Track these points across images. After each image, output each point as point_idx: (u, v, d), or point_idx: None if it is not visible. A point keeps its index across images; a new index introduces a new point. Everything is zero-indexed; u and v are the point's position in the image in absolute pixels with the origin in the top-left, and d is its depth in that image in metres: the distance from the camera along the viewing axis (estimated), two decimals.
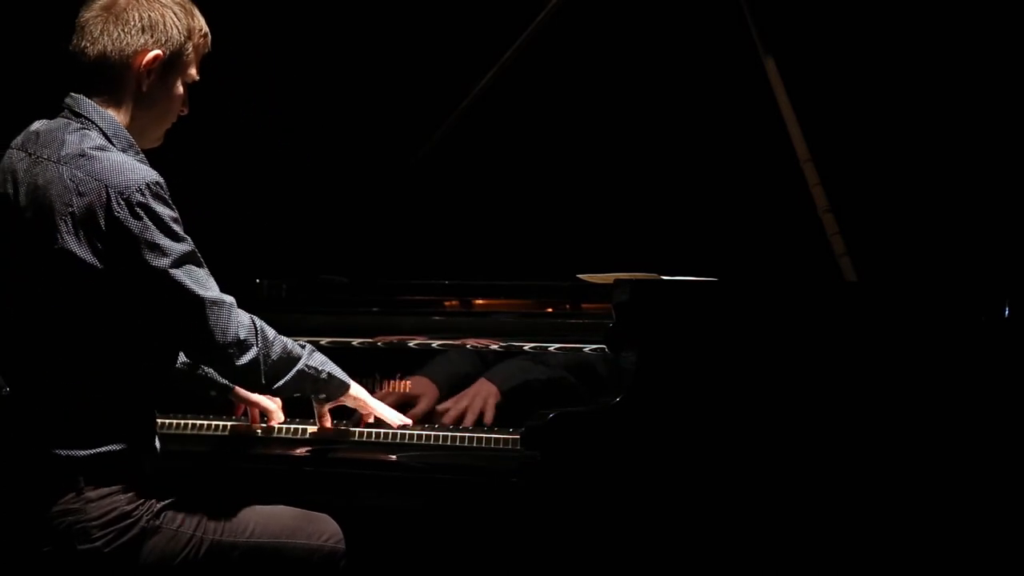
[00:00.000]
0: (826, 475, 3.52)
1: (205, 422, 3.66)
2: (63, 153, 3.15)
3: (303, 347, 3.30)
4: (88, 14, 3.26)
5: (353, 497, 3.59)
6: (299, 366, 3.26)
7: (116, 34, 3.22)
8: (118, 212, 3.08)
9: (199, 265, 3.15)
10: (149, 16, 3.24)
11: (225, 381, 3.51)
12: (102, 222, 3.08)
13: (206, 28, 3.34)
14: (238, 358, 3.15)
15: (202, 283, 3.13)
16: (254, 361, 3.17)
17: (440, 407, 3.58)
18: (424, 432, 3.46)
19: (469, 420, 3.53)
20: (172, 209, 3.14)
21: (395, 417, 3.50)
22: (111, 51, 3.22)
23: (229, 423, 3.64)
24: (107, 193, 3.08)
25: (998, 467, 3.62)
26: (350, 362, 3.71)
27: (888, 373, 3.57)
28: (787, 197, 3.93)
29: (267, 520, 3.26)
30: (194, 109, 3.40)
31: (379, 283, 4.01)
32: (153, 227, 3.09)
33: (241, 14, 4.98)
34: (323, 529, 3.28)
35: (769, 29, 3.94)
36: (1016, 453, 3.61)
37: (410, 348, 3.71)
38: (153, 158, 3.31)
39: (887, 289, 3.74)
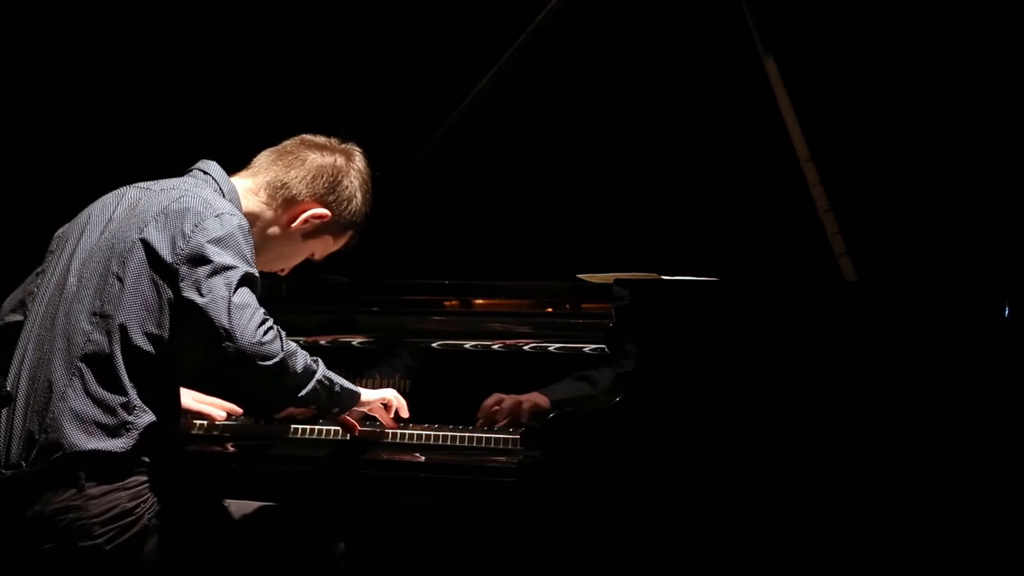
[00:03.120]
0: (826, 474, 3.52)
1: (205, 421, 3.65)
2: (177, 184, 3.31)
3: (316, 361, 3.30)
4: (304, 142, 3.49)
5: (352, 497, 3.59)
6: (318, 376, 3.27)
7: (316, 176, 3.44)
8: (208, 223, 3.18)
9: (253, 291, 3.18)
10: (348, 187, 3.47)
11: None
12: (190, 225, 3.17)
13: (361, 229, 3.53)
14: (260, 359, 3.14)
15: (245, 298, 3.14)
16: (278, 365, 3.16)
17: (492, 405, 3.58)
18: (425, 432, 3.46)
19: (504, 411, 3.54)
20: (252, 255, 3.22)
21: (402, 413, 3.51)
22: (299, 181, 3.43)
23: (227, 422, 3.64)
24: (204, 209, 3.21)
25: (998, 466, 3.62)
26: (350, 362, 3.71)
27: (888, 373, 3.56)
28: (787, 197, 3.93)
29: (267, 519, 3.27)
30: (192, 109, 3.44)
31: (379, 283, 4.01)
32: (231, 244, 3.17)
33: (242, 14, 4.99)
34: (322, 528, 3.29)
35: (769, 29, 3.94)
36: (1016, 453, 3.61)
37: (410, 348, 3.71)
38: (151, 152, 3.35)
39: (887, 289, 3.74)
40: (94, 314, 3.18)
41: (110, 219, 3.28)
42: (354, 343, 3.77)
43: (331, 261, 4.10)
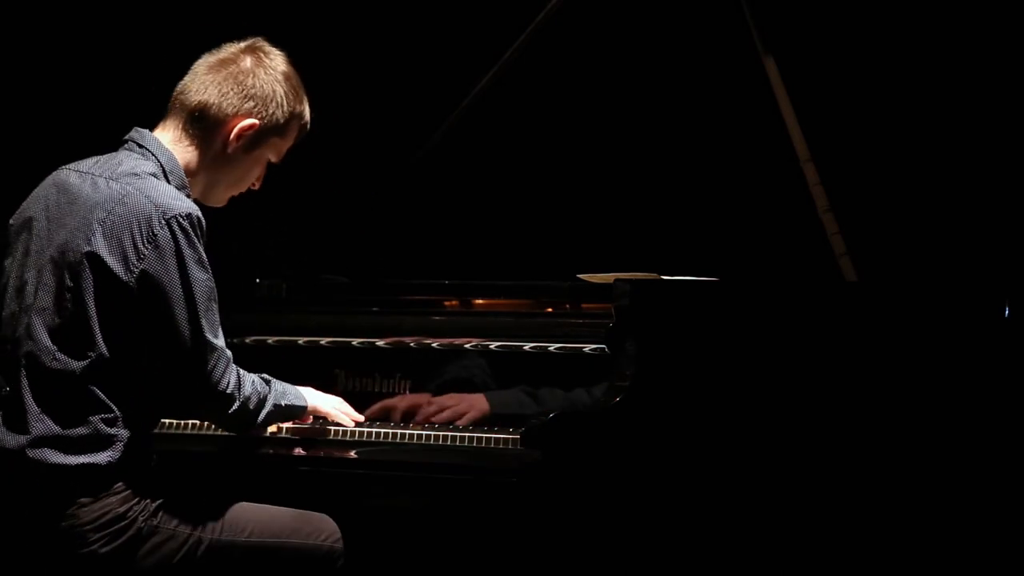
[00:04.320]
0: (826, 474, 3.52)
1: (198, 421, 3.65)
2: (117, 172, 3.20)
3: (266, 382, 3.32)
4: (207, 61, 3.34)
5: (352, 496, 3.59)
6: (268, 406, 3.30)
7: (225, 91, 3.28)
8: (158, 229, 3.10)
9: (215, 306, 3.16)
10: (262, 87, 3.31)
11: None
12: (140, 236, 3.10)
13: (308, 119, 3.40)
14: (228, 407, 3.20)
15: (213, 326, 3.15)
16: (239, 410, 3.22)
17: (427, 402, 3.59)
18: (424, 432, 3.46)
19: (442, 419, 3.54)
20: (203, 252, 3.16)
21: (352, 418, 3.54)
22: (212, 104, 3.28)
23: None
24: (152, 210, 3.11)
25: (998, 467, 3.62)
26: (350, 362, 3.71)
27: (888, 373, 3.57)
28: (787, 197, 3.93)
29: (265, 519, 3.27)
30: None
31: (379, 283, 4.01)
32: (189, 252, 3.11)
33: (241, 13, 4.99)
34: (321, 528, 3.29)
35: (769, 29, 3.94)
36: (1016, 453, 3.61)
37: (410, 348, 3.71)
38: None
39: (887, 289, 3.74)
40: (55, 331, 3.10)
41: (57, 217, 3.16)
42: (354, 343, 3.77)
43: (331, 261, 4.11)
